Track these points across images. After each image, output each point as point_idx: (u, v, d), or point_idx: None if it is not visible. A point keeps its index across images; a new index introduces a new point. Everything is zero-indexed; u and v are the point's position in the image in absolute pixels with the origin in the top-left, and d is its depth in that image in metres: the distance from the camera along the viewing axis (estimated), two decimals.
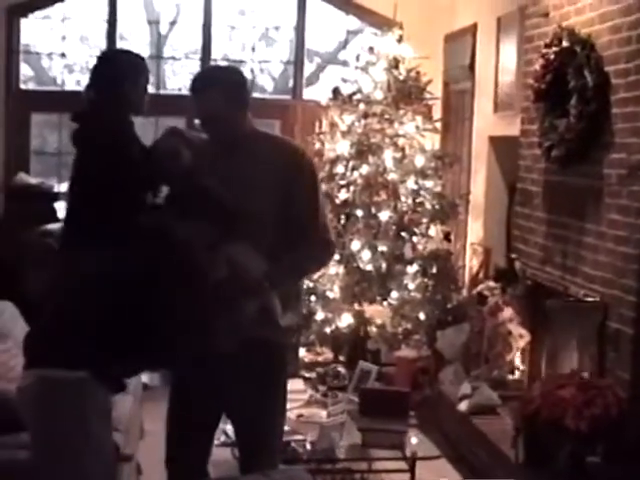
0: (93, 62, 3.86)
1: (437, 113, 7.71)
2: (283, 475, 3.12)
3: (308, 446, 4.71)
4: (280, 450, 4.13)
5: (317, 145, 7.42)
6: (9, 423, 3.96)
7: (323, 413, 5.11)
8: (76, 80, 10.37)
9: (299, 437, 4.73)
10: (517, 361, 6.02)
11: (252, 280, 3.60)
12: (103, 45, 9.17)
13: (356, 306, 6.89)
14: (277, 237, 3.66)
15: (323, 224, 3.81)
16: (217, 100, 3.72)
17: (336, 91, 7.37)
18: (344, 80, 7.46)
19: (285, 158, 3.77)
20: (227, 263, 3.57)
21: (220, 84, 3.77)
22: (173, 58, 10.44)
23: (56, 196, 8.19)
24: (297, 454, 4.63)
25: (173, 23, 10.65)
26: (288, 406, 5.00)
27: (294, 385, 5.61)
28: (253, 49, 10.26)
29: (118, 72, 3.72)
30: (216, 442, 4.23)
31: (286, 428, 4.70)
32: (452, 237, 7.43)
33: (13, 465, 3.94)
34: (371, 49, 7.39)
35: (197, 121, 3.90)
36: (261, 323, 3.69)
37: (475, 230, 7.48)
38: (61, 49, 9.60)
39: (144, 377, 6.24)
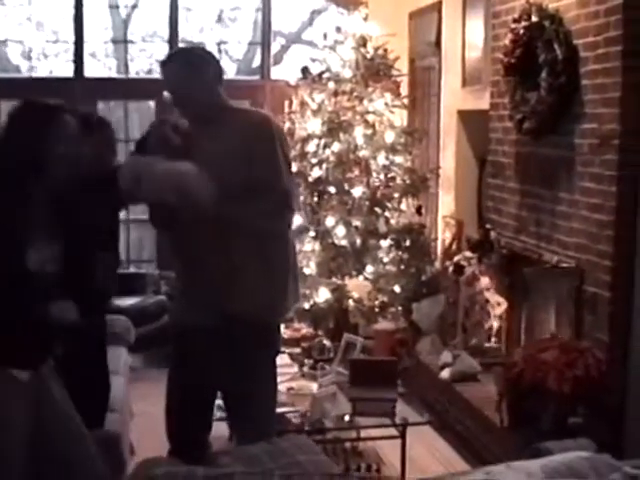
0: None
1: (404, 90, 7.83)
2: (289, 442, 3.21)
3: (301, 417, 4.82)
4: (273, 423, 4.25)
5: (287, 124, 7.52)
6: None
7: (312, 385, 5.22)
8: (31, 66, 10.38)
9: (292, 409, 4.84)
10: (495, 328, 6.16)
11: (202, 199, 3.71)
12: (61, 30, 9.24)
13: (337, 280, 7.01)
14: (241, 195, 3.81)
15: (285, 190, 3.94)
16: (185, 77, 3.92)
17: (305, 70, 7.46)
18: (312, 59, 7.56)
19: (248, 125, 3.96)
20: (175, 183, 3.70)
21: (187, 62, 3.97)
22: (131, 42, 10.44)
23: None
24: (289, 425, 4.74)
25: (134, 7, 10.68)
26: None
27: (280, 360, 5.73)
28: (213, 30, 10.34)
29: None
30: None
31: (280, 400, 4.83)
32: (423, 211, 7.56)
33: None
34: (338, 28, 7.50)
35: (166, 93, 4.08)
36: (238, 296, 3.88)
37: (446, 203, 7.61)
38: (18, 36, 9.62)
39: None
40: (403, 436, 4.79)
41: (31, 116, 3.60)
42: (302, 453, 3.15)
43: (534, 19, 5.28)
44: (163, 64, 4.04)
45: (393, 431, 4.88)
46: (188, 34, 9.61)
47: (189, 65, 3.97)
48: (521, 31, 5.39)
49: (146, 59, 11.63)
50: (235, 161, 3.84)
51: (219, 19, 10.58)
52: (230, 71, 10.85)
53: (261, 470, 2.97)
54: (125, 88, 9.20)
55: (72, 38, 9.19)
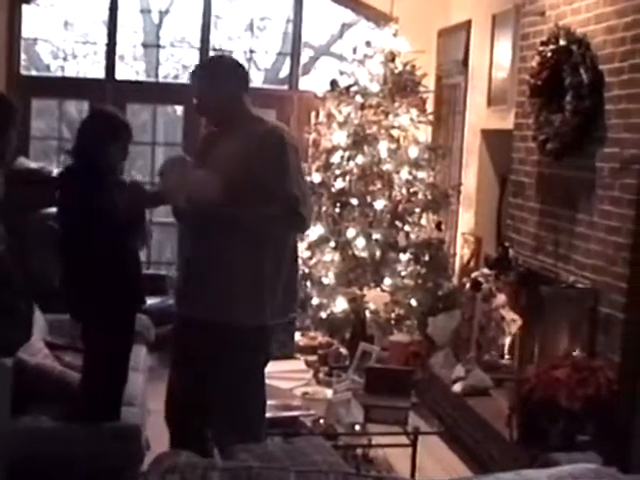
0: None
1: (430, 106, 7.93)
2: (306, 442, 3.30)
3: (313, 422, 4.91)
4: (259, 428, 4.30)
5: (313, 135, 7.64)
6: None
7: (327, 391, 5.31)
8: (60, 66, 10.53)
9: (306, 412, 4.93)
10: (508, 345, 6.24)
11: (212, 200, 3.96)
12: (90, 32, 9.39)
13: (357, 290, 7.10)
14: (250, 197, 3.99)
15: (293, 196, 4.06)
16: (210, 85, 4.18)
17: (334, 83, 7.56)
18: (341, 72, 7.66)
19: (263, 132, 4.17)
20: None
21: (214, 71, 4.26)
22: (158, 46, 10.54)
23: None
24: (303, 428, 4.83)
25: (166, 12, 10.84)
26: (292, 385, 5.26)
27: (296, 366, 5.85)
28: (242, 39, 10.47)
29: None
30: None
31: (295, 404, 4.94)
32: (443, 227, 7.64)
33: None
34: (368, 43, 7.60)
35: (195, 101, 4.30)
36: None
37: (466, 220, 7.70)
38: (47, 35, 9.78)
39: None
40: (414, 444, 4.88)
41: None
42: (318, 453, 3.23)
43: (562, 43, 5.37)
44: (193, 72, 4.26)
45: (404, 439, 4.97)
46: (217, 41, 9.72)
47: (215, 74, 4.22)
48: (548, 54, 5.48)
49: (174, 64, 11.80)
50: (246, 164, 4.01)
51: (248, 28, 10.70)
52: (257, 80, 10.97)
53: (278, 466, 3.07)
54: (154, 92, 9.31)
55: (101, 40, 9.33)
